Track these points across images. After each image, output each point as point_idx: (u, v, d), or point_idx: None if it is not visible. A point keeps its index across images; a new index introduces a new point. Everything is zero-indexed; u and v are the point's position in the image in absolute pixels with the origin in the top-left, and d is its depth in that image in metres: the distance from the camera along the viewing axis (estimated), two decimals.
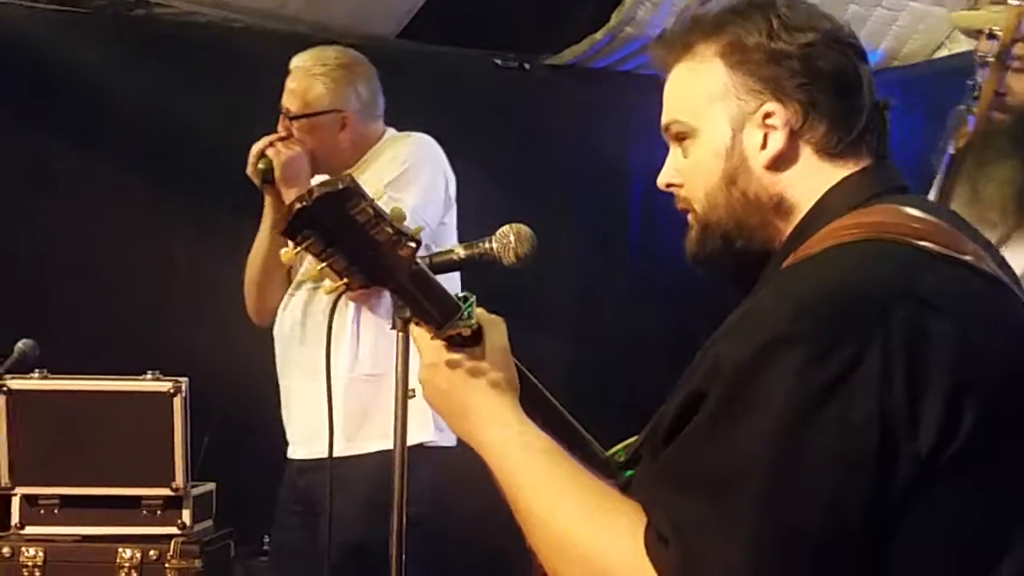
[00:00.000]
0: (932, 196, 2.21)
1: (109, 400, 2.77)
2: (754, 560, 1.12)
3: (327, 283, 1.40)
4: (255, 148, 2.90)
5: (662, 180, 1.47)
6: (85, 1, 4.06)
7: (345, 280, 1.39)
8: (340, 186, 1.31)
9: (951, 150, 2.22)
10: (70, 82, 3.99)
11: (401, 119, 3.12)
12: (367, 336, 2.85)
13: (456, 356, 1.45)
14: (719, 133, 1.39)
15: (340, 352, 2.83)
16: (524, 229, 1.62)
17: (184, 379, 2.77)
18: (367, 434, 2.83)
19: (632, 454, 1.54)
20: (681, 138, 1.44)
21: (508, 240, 1.60)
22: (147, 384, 2.77)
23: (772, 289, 1.29)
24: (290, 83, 2.92)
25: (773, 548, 1.12)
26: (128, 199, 4.06)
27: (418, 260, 1.42)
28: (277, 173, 2.85)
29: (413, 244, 1.37)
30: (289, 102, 2.91)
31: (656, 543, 1.17)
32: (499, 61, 4.51)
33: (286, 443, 3.04)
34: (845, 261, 1.25)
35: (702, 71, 1.41)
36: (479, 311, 1.48)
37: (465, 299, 1.46)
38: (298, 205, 1.30)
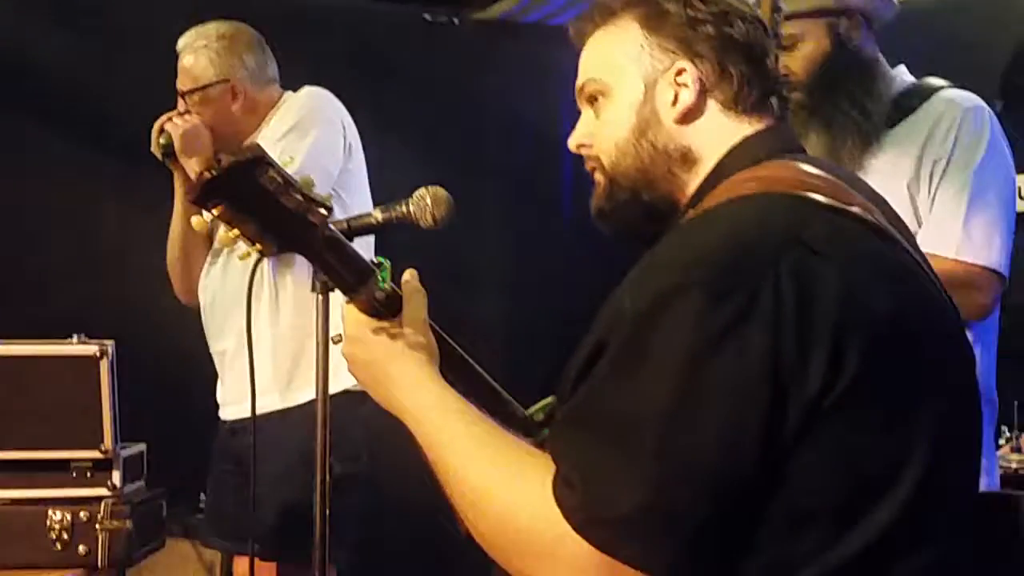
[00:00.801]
0: None
1: (35, 364, 2.74)
2: (655, 499, 1.16)
3: (241, 246, 1.42)
4: (156, 125, 2.97)
5: (573, 142, 1.53)
6: None
7: (259, 247, 1.41)
8: (248, 155, 1.33)
9: None
10: None
11: (330, 76, 3.10)
12: (286, 289, 2.87)
13: (377, 327, 1.49)
14: (632, 89, 1.46)
15: (262, 310, 2.85)
16: (440, 191, 1.63)
17: (110, 342, 2.74)
18: (299, 384, 2.85)
19: (549, 412, 1.60)
20: (593, 99, 1.50)
21: (424, 203, 1.61)
22: (73, 348, 2.74)
23: (670, 241, 1.34)
24: (180, 62, 2.99)
25: (674, 487, 1.16)
26: (53, 160, 3.99)
27: (331, 225, 1.44)
28: (177, 145, 2.92)
29: (324, 211, 1.39)
30: (181, 81, 2.99)
31: (563, 487, 1.21)
32: (428, 16, 4.49)
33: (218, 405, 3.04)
34: (739, 213, 1.30)
35: (619, 33, 1.48)
36: (410, 279, 1.52)
37: (379, 264, 1.49)
38: (207, 175, 1.31)
